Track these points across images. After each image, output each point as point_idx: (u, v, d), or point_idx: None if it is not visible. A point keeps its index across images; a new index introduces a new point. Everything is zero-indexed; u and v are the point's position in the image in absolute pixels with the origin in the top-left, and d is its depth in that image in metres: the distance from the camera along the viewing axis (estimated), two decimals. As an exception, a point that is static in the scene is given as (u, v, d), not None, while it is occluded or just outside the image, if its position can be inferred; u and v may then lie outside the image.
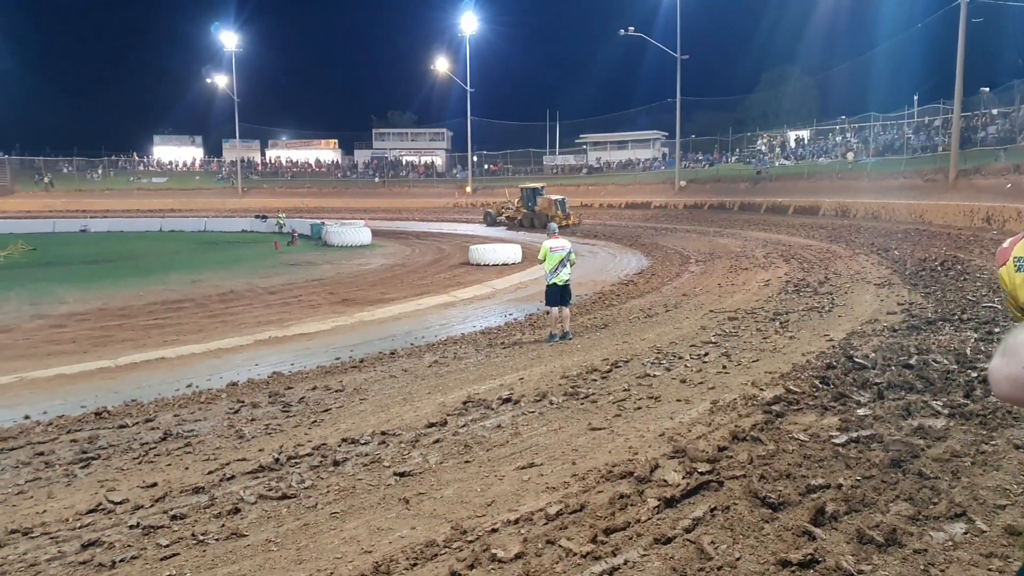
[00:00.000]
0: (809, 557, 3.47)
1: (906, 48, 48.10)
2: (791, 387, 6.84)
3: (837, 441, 5.21)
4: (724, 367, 8.31)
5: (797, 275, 17.10)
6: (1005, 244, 2.80)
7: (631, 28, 50.14)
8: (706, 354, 9.09)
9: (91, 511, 5.07)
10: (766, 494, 4.23)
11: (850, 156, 45.63)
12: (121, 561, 4.20)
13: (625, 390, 7.54)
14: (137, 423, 7.63)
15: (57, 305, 16.76)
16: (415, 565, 3.84)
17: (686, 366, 8.53)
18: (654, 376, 8.09)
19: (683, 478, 4.65)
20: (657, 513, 4.20)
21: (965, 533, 3.70)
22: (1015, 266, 2.66)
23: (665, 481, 4.65)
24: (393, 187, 74.16)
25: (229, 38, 71.28)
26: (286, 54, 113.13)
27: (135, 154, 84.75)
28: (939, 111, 41.30)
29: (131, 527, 4.68)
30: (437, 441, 6.13)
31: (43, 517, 5.04)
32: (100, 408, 8.32)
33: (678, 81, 51.07)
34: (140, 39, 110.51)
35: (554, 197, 42.80)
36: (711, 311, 12.80)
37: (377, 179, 77.40)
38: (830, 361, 7.90)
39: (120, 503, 5.17)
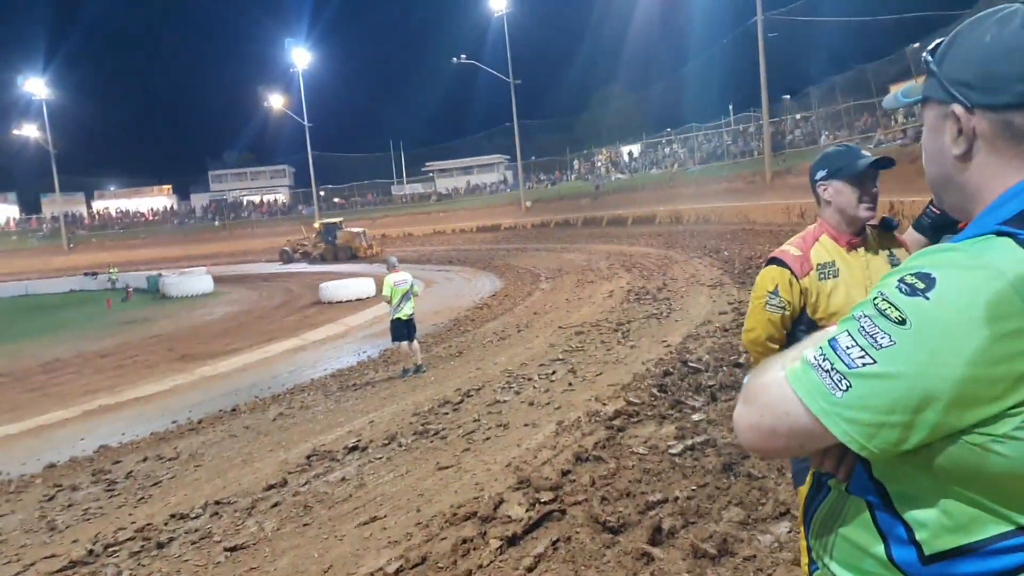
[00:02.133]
0: (644, 579, 3.48)
1: (717, 61, 52.21)
2: (631, 399, 7.02)
3: (674, 451, 5.36)
4: (570, 384, 8.43)
5: (638, 283, 17.85)
6: (793, 252, 2.85)
7: (463, 56, 51.05)
8: (553, 372, 9.19)
9: None
10: (606, 518, 4.25)
11: (675, 167, 48.74)
12: None
13: (475, 420, 7.44)
14: (-74, 530, 6.62)
15: None
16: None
17: (535, 387, 8.57)
18: (504, 402, 8.05)
19: (526, 511, 4.58)
20: (500, 554, 4.09)
21: (789, 532, 3.87)
22: (819, 275, 2.74)
23: (509, 517, 4.57)
24: (235, 229, 70.82)
25: (37, 86, 65.40)
26: (107, 99, 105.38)
27: (-66, 216, 75.71)
28: (751, 119, 45.05)
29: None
30: (275, 505, 5.73)
31: None
32: None
33: (513, 105, 52.53)
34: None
35: (355, 230, 46.31)
36: (560, 327, 13.04)
37: (217, 222, 73.68)
38: (667, 368, 8.20)
39: None
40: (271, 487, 6.21)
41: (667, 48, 66.47)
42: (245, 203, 78.47)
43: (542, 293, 19.64)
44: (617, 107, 67.09)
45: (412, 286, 11.17)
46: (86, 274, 45.87)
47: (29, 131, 68.33)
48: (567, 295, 18.05)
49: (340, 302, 22.86)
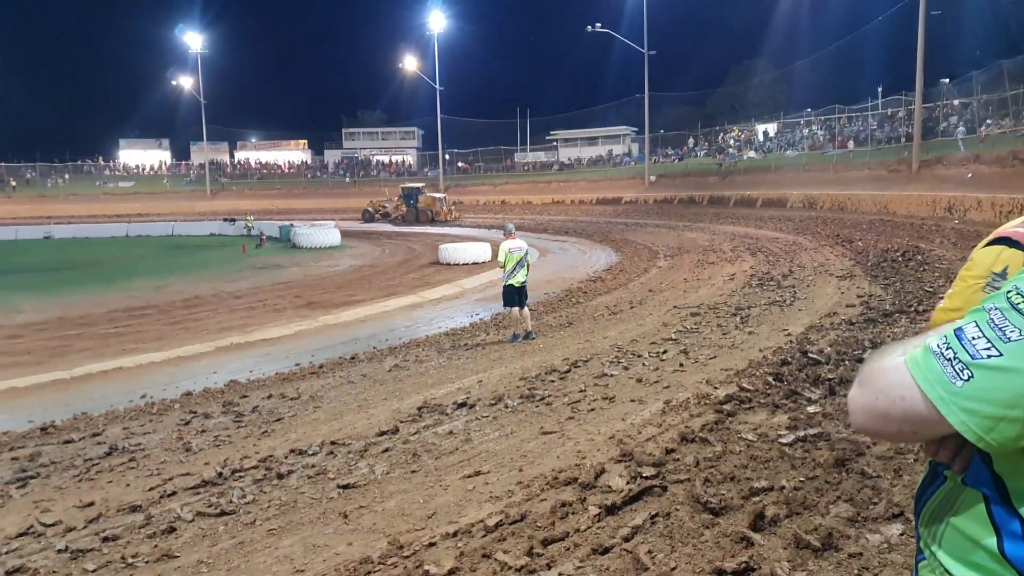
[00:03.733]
0: (744, 565, 3.42)
1: (869, 40, 48.67)
2: (744, 385, 6.82)
3: (784, 440, 5.18)
4: (681, 365, 8.29)
5: (762, 268, 17.20)
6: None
7: (598, 24, 50.13)
8: (665, 352, 9.06)
9: (21, 535, 4.89)
10: (708, 499, 4.18)
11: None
12: (41, 590, 4.04)
13: (581, 391, 7.48)
14: (84, 438, 7.42)
15: (14, 315, 16.34)
16: (345, 584, 3.74)
17: (644, 364, 8.49)
18: (611, 376, 8.04)
19: (627, 483, 4.59)
20: (597, 521, 4.13)
21: (901, 534, 3.68)
22: None
23: (609, 487, 4.59)
24: (364, 187, 73.46)
25: (194, 39, 70.11)
26: (253, 55, 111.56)
27: (100, 158, 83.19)
28: (902, 103, 41.84)
29: (59, 551, 4.52)
30: (386, 450, 6.02)
31: (-31, 543, 4.85)
32: (47, 423, 8.11)
33: (646, 76, 51.20)
34: (103, 40, 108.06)
35: (436, 195, 50.21)
36: (675, 307, 12.80)
37: (348, 179, 76.71)
38: (785, 357, 7.90)
39: (52, 525, 4.99)
40: (383, 433, 6.52)
41: (815, 23, 62.52)
42: (375, 162, 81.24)
43: (659, 271, 19.30)
44: (755, 83, 64.17)
45: (526, 254, 11.26)
46: (225, 220, 49.24)
47: (184, 82, 73.55)
48: (685, 275, 17.66)
49: (457, 264, 23.40)
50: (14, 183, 72.42)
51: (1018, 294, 0.92)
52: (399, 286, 19.77)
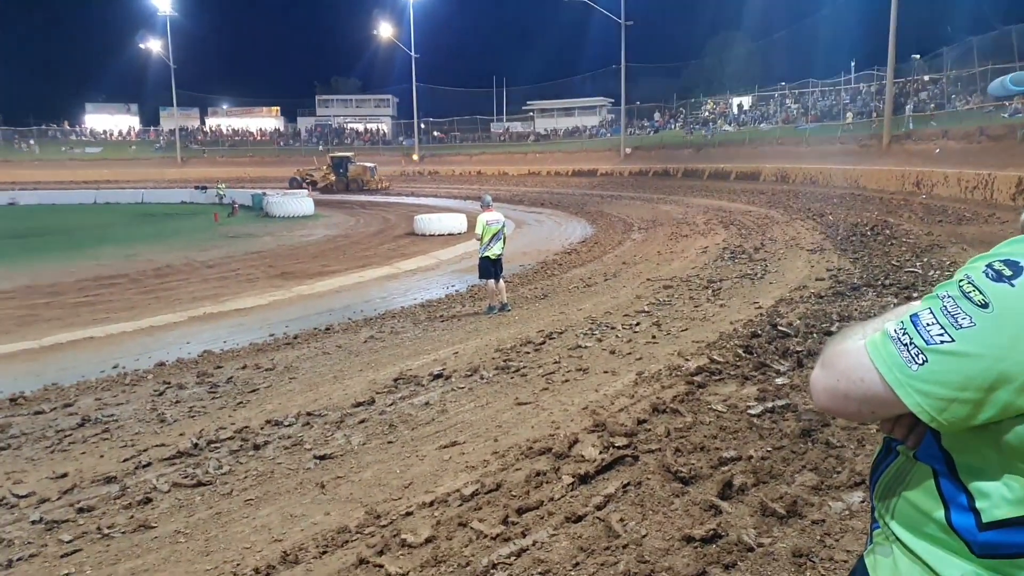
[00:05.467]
0: (712, 532, 3.54)
1: (844, 14, 48.83)
2: (715, 357, 6.96)
3: (753, 412, 5.32)
4: (654, 337, 8.41)
5: (734, 241, 17.39)
6: None
7: (576, -7, 49.64)
8: (638, 324, 9.18)
9: (-6, 506, 4.88)
10: (678, 468, 4.30)
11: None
12: (19, 560, 4.04)
13: (555, 362, 7.57)
14: (55, 408, 7.36)
15: (-22, 284, 16.01)
16: (324, 553, 3.80)
17: (617, 336, 8.60)
18: (585, 347, 8.14)
19: (600, 453, 4.69)
20: (571, 490, 4.23)
21: (862, 502, 3.82)
22: None
23: (582, 456, 4.69)
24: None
25: (163, 1, 68.18)
26: (225, 18, 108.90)
27: (67, 123, 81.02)
28: (874, 77, 42.16)
29: (33, 522, 4.51)
30: (362, 421, 6.07)
31: (-59, 516, 4.83)
32: (16, 394, 8.00)
33: (622, 47, 50.96)
34: (69, 0, 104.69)
35: (366, 164, 51.30)
36: (648, 279, 12.93)
37: (321, 147, 75.67)
38: (755, 330, 8.05)
39: (25, 496, 4.98)
40: (359, 404, 6.56)
41: (795, -5, 62.48)
42: (349, 130, 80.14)
43: (633, 243, 19.43)
44: (731, 56, 64.13)
45: (503, 226, 11.27)
46: (196, 187, 48.40)
47: (153, 46, 71.63)
48: (659, 247, 17.80)
49: (432, 235, 23.32)
50: (-24, 148, 70.48)
51: (969, 283, 0.98)
52: (374, 256, 19.67)
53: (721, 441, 4.79)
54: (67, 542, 4.19)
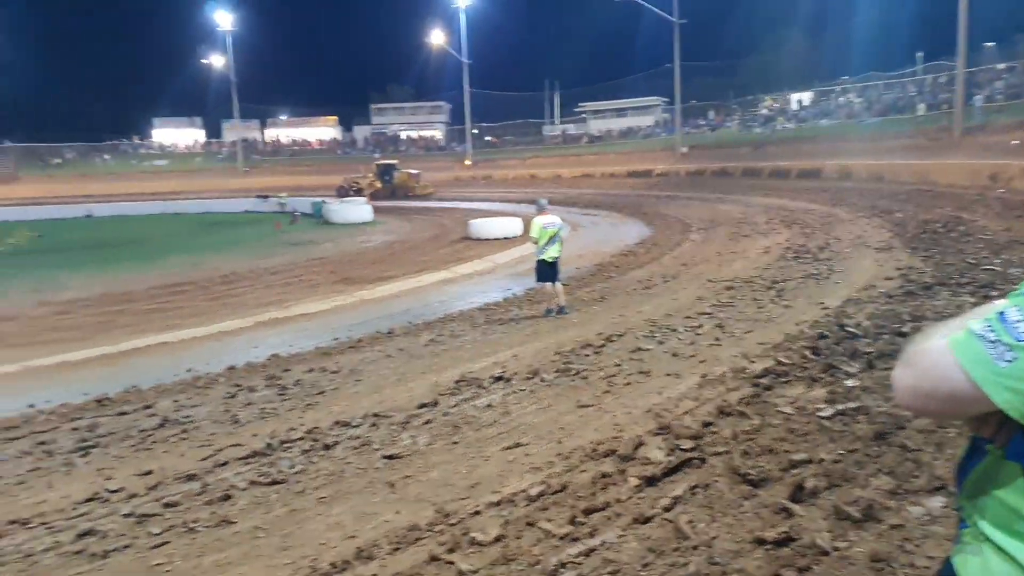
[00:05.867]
0: (784, 535, 3.50)
1: (907, 4, 47.20)
2: (781, 359, 6.85)
3: (823, 414, 5.22)
4: (717, 339, 8.32)
5: (797, 241, 17.02)
6: None
7: (627, -7, 49.30)
8: (700, 326, 9.09)
9: (88, 500, 5.15)
10: (747, 471, 4.26)
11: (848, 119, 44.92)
12: (114, 551, 4.28)
13: (616, 365, 7.56)
14: (136, 410, 7.69)
15: (61, 291, 16.81)
16: (397, 550, 3.91)
17: (679, 339, 8.54)
18: (646, 350, 8.10)
19: (666, 455, 4.68)
20: (638, 492, 4.24)
21: (943, 507, 3.72)
22: None
23: (648, 459, 4.69)
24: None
25: (224, 17, 70.51)
26: (282, 32, 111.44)
27: (136, 137, 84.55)
28: (943, 68, 40.65)
29: (125, 516, 4.76)
30: (427, 422, 6.19)
31: (41, 507, 5.12)
32: (101, 395, 8.38)
33: (676, 46, 50.36)
34: (136, 21, 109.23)
35: (411, 171, 52.10)
36: (709, 280, 12.77)
37: (377, 155, 76.99)
38: (823, 331, 7.88)
39: (116, 491, 5.25)
40: (423, 406, 6.68)
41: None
42: (403, 137, 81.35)
43: (692, 244, 19.20)
44: (789, 51, 62.66)
45: (560, 229, 11.28)
46: (258, 196, 49.79)
47: (215, 61, 74.13)
48: (719, 248, 17.54)
49: (488, 239, 23.48)
50: (57, 162, 74.07)
51: None
52: (431, 261, 19.92)
53: (790, 444, 4.72)
54: (156, 535, 4.41)
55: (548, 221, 11.16)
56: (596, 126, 72.50)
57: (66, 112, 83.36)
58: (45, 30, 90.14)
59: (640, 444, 4.97)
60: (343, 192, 50.82)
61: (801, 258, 14.25)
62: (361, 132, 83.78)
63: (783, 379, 6.28)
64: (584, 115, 74.63)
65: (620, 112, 71.75)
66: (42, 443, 6.73)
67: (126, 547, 4.33)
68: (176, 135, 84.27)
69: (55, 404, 8.16)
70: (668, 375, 7.01)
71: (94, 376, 9.80)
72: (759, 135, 50.03)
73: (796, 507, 3.82)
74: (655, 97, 69.32)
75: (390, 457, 5.41)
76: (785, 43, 64.59)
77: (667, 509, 3.98)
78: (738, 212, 26.46)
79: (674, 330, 8.99)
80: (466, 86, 65.25)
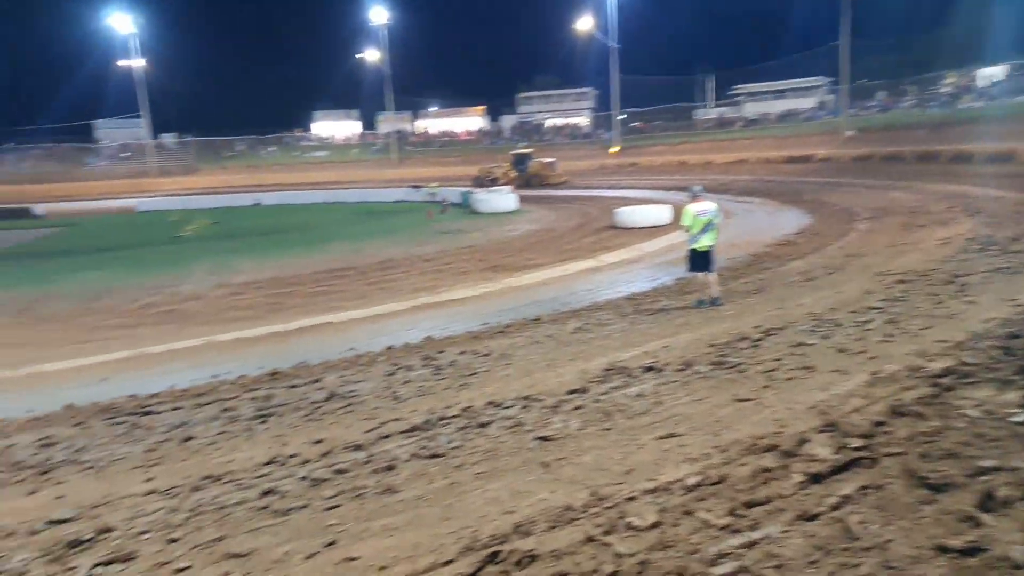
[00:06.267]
0: (972, 544, 3.22)
1: None
2: (965, 358, 6.26)
3: (1017, 419, 4.73)
4: (888, 335, 7.74)
5: (983, 232, 15.44)
6: None
7: (789, -32, 46.61)
8: (869, 321, 8.49)
9: (268, 463, 5.65)
10: (926, 474, 3.95)
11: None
12: (292, 509, 4.66)
13: (776, 359, 7.24)
14: (306, 383, 8.31)
15: (236, 274, 18.41)
16: (553, 528, 3.98)
17: (846, 334, 8.03)
18: (809, 345, 7.69)
19: (833, 453, 4.43)
20: (802, 489, 4.05)
21: None
22: None
23: (813, 456, 4.46)
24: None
25: (379, 13, 74.02)
26: (433, 25, 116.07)
27: (298, 130, 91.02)
28: None
29: (301, 479, 5.17)
30: (578, 408, 6.23)
31: (230, 466, 5.67)
32: (274, 369, 9.13)
33: (842, 21, 47.06)
34: (298, 21, 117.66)
35: (546, 160, 51.67)
36: (878, 273, 11.90)
37: (521, 144, 78.06)
38: (1016, 330, 7.13)
39: (292, 456, 5.71)
40: (573, 392, 6.73)
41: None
42: (547, 126, 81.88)
43: (858, 234, 17.94)
44: (975, 22, 56.75)
45: (714, 217, 10.91)
46: (411, 187, 51.96)
47: (370, 55, 78.04)
48: (890, 239, 16.28)
49: (634, 228, 23.15)
50: (230, 154, 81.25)
51: None
52: (577, 250, 19.94)
53: (978, 449, 4.31)
54: (329, 498, 4.76)
55: (702, 208, 10.83)
56: (752, 109, 69.41)
57: (238, 108, 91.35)
58: (218, 37, 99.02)
59: (804, 440, 4.74)
60: (479, 182, 51.51)
61: (987, 251, 12.93)
62: (507, 121, 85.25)
63: (968, 380, 5.74)
64: (739, 98, 71.63)
65: (778, 94, 68.23)
66: (226, 410, 7.43)
67: (303, 507, 4.70)
68: (334, 127, 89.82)
69: (235, 376, 9.00)
70: (834, 371, 6.62)
71: (267, 351, 10.68)
72: (938, 116, 45.70)
73: (985, 516, 3.49)
74: (818, 77, 65.28)
75: (543, 439, 5.50)
76: (974, 13, 58.46)
77: (835, 508, 3.77)
78: (912, 200, 24.40)
79: (839, 325, 8.46)
80: (614, 71, 64.53)
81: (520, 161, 51.44)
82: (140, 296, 15.63)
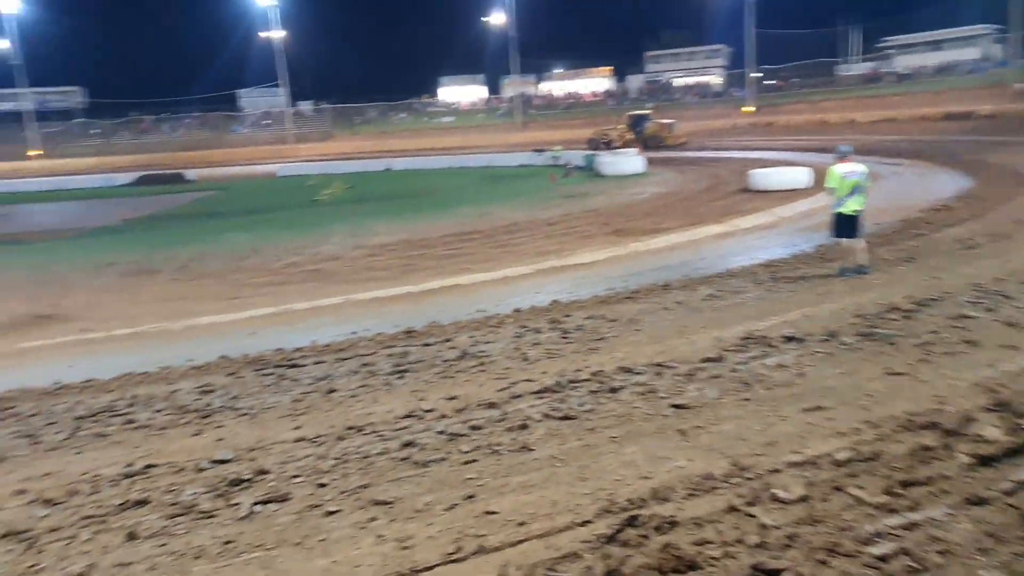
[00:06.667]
0: None
1: None
2: None
3: None
4: (1069, 309, 7.00)
5: None
6: None
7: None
8: (1044, 293, 7.71)
9: (407, 416, 5.87)
10: (1120, 463, 3.55)
11: None
12: (432, 461, 4.84)
13: (933, 332, 6.72)
14: (438, 342, 8.55)
15: (371, 236, 19.17)
16: (693, 496, 3.90)
17: (1016, 306, 7.32)
18: (972, 318, 7.08)
19: (1005, 435, 4.07)
20: (969, 471, 3.75)
21: None
22: None
23: (981, 436, 4.12)
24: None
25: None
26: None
27: (426, 96, 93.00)
28: None
29: (438, 433, 5.35)
30: (715, 376, 6.06)
31: (371, 418, 5.95)
32: (409, 328, 9.44)
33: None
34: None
35: (665, 121, 49.87)
36: (1053, 241, 10.76)
37: (648, 105, 75.98)
38: None
39: (429, 411, 5.91)
40: (708, 360, 6.54)
41: None
42: (676, 85, 79.15)
43: (1027, 198, 16.26)
44: None
45: (863, 179, 10.16)
46: (534, 150, 51.92)
47: (495, 19, 78.01)
48: (1067, 204, 14.66)
49: (770, 191, 22.06)
50: (362, 121, 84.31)
51: None
52: (707, 214, 19.27)
53: None
54: (466, 452, 4.90)
55: (850, 170, 10.11)
56: (903, 63, 63.90)
57: (370, 76, 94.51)
58: (352, 7, 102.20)
59: (970, 419, 4.38)
60: (594, 144, 50.51)
61: None
62: (634, 82, 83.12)
63: None
64: (889, 51, 66.13)
65: (934, 45, 62.39)
66: (366, 364, 7.78)
67: (442, 460, 4.87)
68: (460, 92, 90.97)
69: (373, 333, 9.37)
70: (1003, 347, 6.06)
71: (401, 311, 11.07)
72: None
73: None
74: (982, 25, 59.04)
75: (678, 406, 5.40)
76: None
77: (1008, 493, 3.47)
78: (1094, 160, 21.79)
79: (1008, 297, 7.72)
80: (749, 26, 61.22)
81: (637, 122, 50.10)
82: (284, 256, 16.62)
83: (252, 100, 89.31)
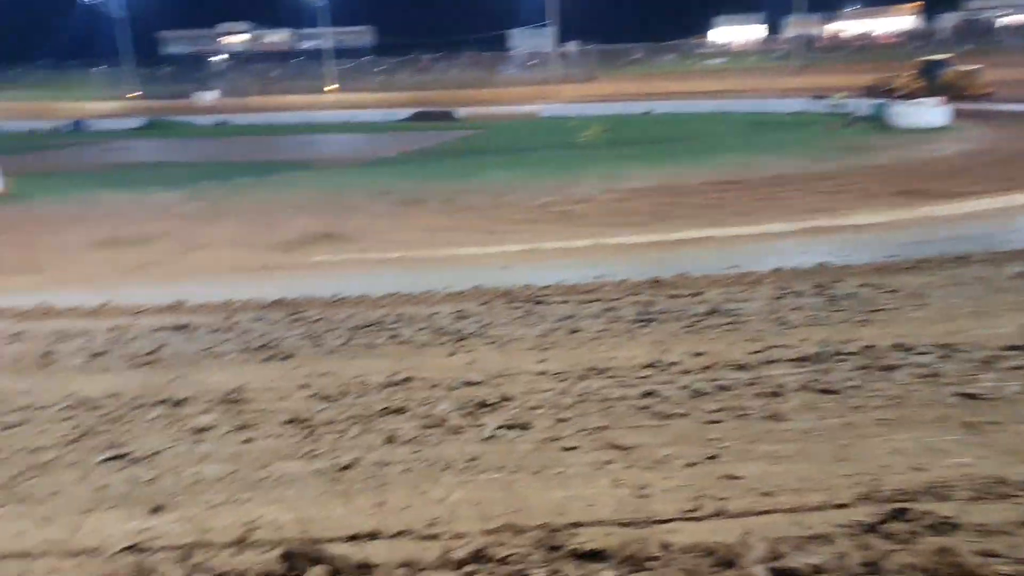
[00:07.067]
0: None
1: None
2: None
3: None
4: None
5: None
6: None
7: None
8: None
9: (648, 366, 5.75)
10: None
11: None
12: (673, 415, 4.70)
13: None
14: (686, 295, 8.25)
15: (624, 181, 19.06)
16: (979, 499, 3.36)
17: None
18: None
19: None
20: None
21: None
22: None
23: None
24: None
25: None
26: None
27: (696, 37, 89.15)
28: None
29: (681, 387, 5.17)
30: (1020, 368, 5.12)
31: (612, 363, 5.93)
32: (655, 277, 9.22)
33: None
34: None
35: (967, 68, 43.76)
36: None
37: (958, 50, 65.40)
38: None
39: (672, 364, 5.74)
40: (1013, 347, 5.54)
41: None
42: (998, 26, 67.16)
43: None
44: None
45: None
46: (812, 96, 47.55)
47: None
48: None
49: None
50: (626, 63, 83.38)
51: None
52: (1025, 178, 16.33)
53: None
54: (710, 411, 4.68)
55: None
56: None
57: (638, 16, 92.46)
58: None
59: None
60: (873, 92, 45.29)
61: None
62: (947, 20, 71.82)
63: None
64: None
65: None
66: (609, 309, 7.77)
67: (683, 415, 4.70)
68: (734, 33, 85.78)
69: (619, 279, 9.30)
70: None
71: (649, 259, 10.91)
72: None
73: None
74: None
75: (967, 396, 4.65)
76: None
77: None
78: None
79: None
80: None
81: (931, 69, 43.87)
82: (539, 195, 17.15)
83: (522, 40, 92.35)
